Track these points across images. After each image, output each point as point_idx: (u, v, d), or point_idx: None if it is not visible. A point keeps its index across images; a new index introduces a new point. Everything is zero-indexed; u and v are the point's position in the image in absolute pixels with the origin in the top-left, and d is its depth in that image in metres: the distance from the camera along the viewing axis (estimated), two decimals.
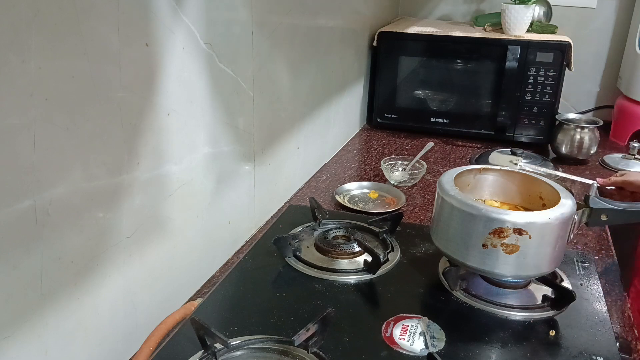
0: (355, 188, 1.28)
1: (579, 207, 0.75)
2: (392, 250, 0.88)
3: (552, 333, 0.70)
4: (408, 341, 0.68)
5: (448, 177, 0.79)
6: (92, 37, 0.59)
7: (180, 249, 0.82)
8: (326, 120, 1.41)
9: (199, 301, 0.76)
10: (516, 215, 0.70)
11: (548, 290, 0.77)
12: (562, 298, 0.74)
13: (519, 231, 0.70)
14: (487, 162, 1.44)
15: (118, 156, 0.66)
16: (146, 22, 0.68)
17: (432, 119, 1.68)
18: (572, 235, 0.75)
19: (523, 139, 1.59)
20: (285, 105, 1.13)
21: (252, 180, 1.03)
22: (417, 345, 0.67)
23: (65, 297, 0.61)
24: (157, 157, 0.74)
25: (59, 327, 0.61)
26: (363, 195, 1.26)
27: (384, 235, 0.91)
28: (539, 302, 0.76)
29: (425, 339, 0.68)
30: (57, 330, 0.60)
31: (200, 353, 0.64)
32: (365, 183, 1.30)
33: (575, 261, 0.87)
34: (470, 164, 1.47)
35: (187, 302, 0.82)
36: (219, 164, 0.90)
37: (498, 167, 0.86)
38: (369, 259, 0.82)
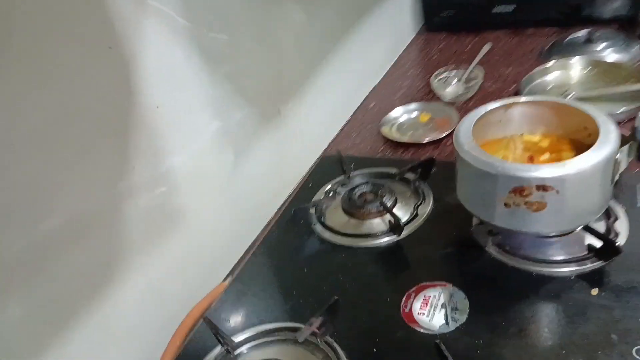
0: (402, 114, 1.19)
1: (624, 141, 0.64)
2: (423, 201, 0.82)
3: (594, 292, 0.63)
4: (427, 316, 0.64)
5: (467, 125, 0.70)
6: (55, 59, 0.57)
7: (203, 234, 0.82)
8: (367, 40, 1.30)
9: (228, 282, 0.77)
10: (538, 170, 0.61)
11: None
12: (607, 250, 0.65)
13: (542, 188, 0.61)
14: (559, 54, 1.26)
15: (109, 168, 0.66)
16: (110, 24, 0.64)
17: (494, 10, 1.48)
18: (617, 177, 0.64)
19: (603, 17, 1.36)
20: (305, 47, 1.05)
21: (276, 142, 0.98)
22: (437, 320, 0.64)
23: (84, 312, 0.64)
24: (152, 155, 0.72)
25: (85, 342, 0.65)
26: (412, 121, 1.17)
27: (417, 183, 0.84)
28: (586, 251, 0.68)
29: (446, 312, 0.64)
30: (83, 345, 0.65)
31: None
32: (413, 105, 1.20)
33: (638, 190, 0.75)
34: (540, 58, 1.30)
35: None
36: (233, 136, 0.87)
37: (527, 99, 0.74)
38: (393, 219, 0.77)
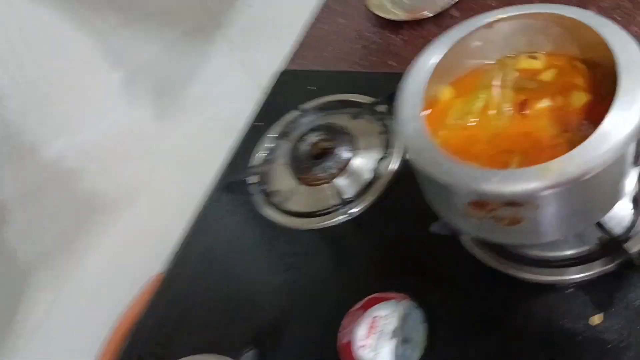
0: None
1: None
2: (390, 151, 0.61)
3: (596, 320, 0.44)
4: (372, 350, 0.50)
5: (416, 82, 0.46)
6: None
7: (147, 208, 0.69)
8: None
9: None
10: (503, 181, 0.39)
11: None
12: (617, 250, 0.44)
13: (511, 203, 0.40)
14: None
15: None
16: None
17: None
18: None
19: None
20: None
21: (224, 56, 0.77)
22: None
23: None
24: (22, 156, 0.57)
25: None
26: None
27: (388, 121, 0.63)
28: (597, 246, 0.47)
29: (395, 346, 0.49)
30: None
31: None
32: None
33: None
34: None
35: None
36: (148, 80, 0.67)
37: (518, 13, 0.47)
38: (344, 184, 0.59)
